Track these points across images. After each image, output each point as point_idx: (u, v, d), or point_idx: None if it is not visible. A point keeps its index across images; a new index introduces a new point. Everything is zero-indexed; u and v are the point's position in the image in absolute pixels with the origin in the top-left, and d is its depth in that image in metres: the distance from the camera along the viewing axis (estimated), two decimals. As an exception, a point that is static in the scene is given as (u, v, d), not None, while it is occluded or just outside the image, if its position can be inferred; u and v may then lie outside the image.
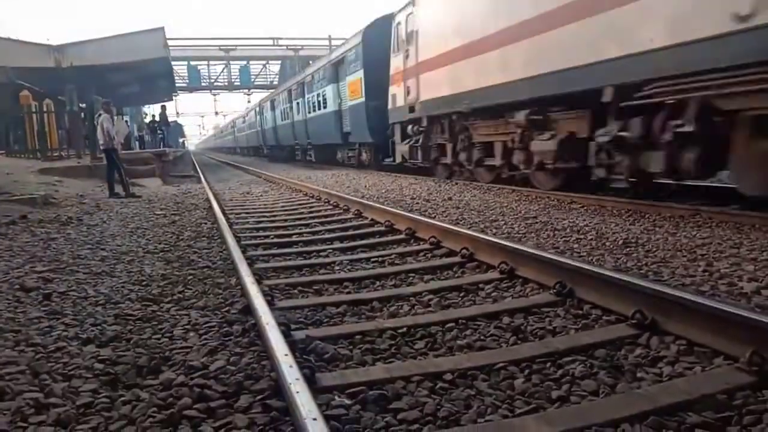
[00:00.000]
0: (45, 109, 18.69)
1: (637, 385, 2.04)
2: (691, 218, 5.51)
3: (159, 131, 25.82)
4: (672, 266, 3.73)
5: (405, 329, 2.70)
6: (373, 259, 4.38)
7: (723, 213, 5.47)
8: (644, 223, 5.44)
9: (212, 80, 44.90)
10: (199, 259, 4.61)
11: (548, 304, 3.01)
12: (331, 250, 4.83)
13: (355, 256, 4.52)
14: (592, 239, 4.77)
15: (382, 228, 5.71)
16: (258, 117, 35.53)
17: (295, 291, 3.57)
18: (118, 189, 10.62)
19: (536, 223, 5.72)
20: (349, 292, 3.50)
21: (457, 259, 4.14)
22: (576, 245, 4.56)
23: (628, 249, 4.33)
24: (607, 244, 4.57)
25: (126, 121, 24.62)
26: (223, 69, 44.37)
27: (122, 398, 2.06)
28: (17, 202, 8.20)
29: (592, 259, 4.01)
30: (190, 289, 3.65)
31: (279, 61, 44.05)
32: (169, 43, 21.08)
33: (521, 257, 3.60)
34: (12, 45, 17.69)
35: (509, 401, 1.98)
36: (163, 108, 27.58)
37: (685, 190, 7.18)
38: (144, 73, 21.19)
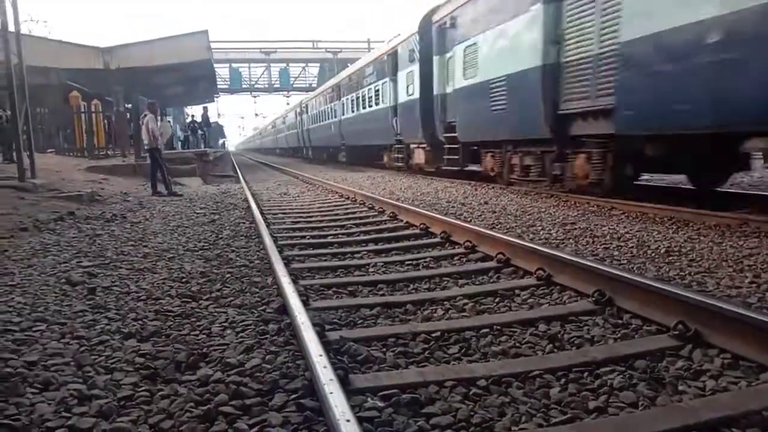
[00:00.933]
0: (93, 109, 19.41)
1: (678, 399, 1.98)
2: (738, 228, 5.32)
3: (200, 131, 26.42)
4: (717, 277, 3.60)
5: (439, 333, 2.69)
6: (407, 262, 4.38)
7: (773, 222, 5.24)
8: (688, 232, 5.27)
9: (253, 82, 45.76)
10: (237, 258, 4.69)
11: (586, 312, 2.95)
12: (365, 252, 4.84)
13: (389, 259, 4.52)
14: (632, 247, 4.65)
15: (417, 231, 5.70)
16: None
17: (330, 292, 3.60)
18: (161, 188, 10.93)
19: (575, 229, 5.61)
20: (383, 295, 3.51)
21: (492, 264, 4.10)
22: (616, 252, 4.45)
23: (670, 258, 4.20)
24: (649, 252, 4.44)
25: (169, 122, 25.24)
26: (264, 71, 45.18)
27: (161, 392, 2.12)
28: (65, 199, 8.53)
29: (632, 267, 3.91)
30: (228, 287, 3.71)
31: (318, 64, 44.55)
32: (212, 45, 21.54)
33: (559, 263, 3.54)
34: (63, 47, 18.37)
35: (544, 410, 1.95)
36: (205, 109, 28.24)
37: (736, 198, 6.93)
38: (187, 74, 21.70)
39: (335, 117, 23.97)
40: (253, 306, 3.26)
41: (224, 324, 2.93)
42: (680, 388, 2.06)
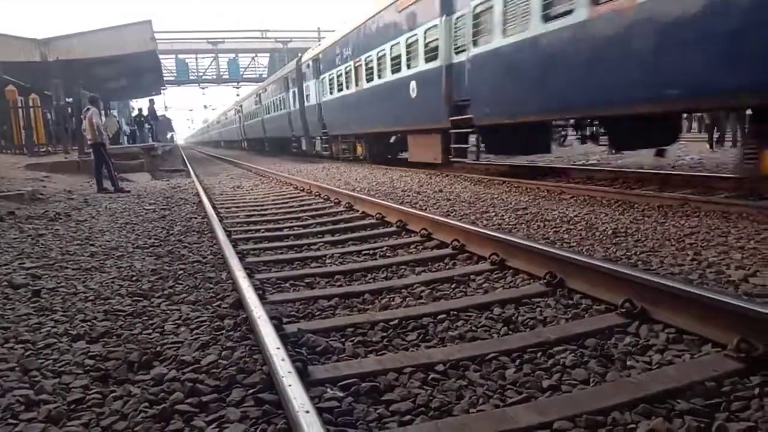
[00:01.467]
0: (31, 104, 18.47)
1: (627, 374, 2.06)
2: (679, 208, 5.56)
3: (148, 125, 25.53)
4: (661, 255, 3.76)
5: (397, 321, 2.71)
6: (364, 252, 4.38)
7: (710, 202, 5.51)
8: (633, 213, 5.47)
9: (200, 73, 44.58)
10: (190, 254, 4.58)
11: (539, 294, 3.03)
12: (322, 244, 4.82)
13: (346, 249, 4.52)
14: (581, 229, 4.80)
15: (374, 220, 5.72)
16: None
17: (287, 285, 3.57)
18: (107, 184, 10.54)
19: (526, 214, 5.74)
20: (340, 285, 3.50)
21: (448, 250, 4.15)
22: (566, 235, 4.58)
23: (617, 239, 4.36)
24: (597, 234, 4.59)
25: (115, 116, 24.33)
26: (212, 62, 44.07)
27: (113, 394, 2.06)
28: (4, 199, 8.11)
29: (582, 249, 4.03)
30: (181, 284, 3.63)
31: (268, 54, 43.78)
32: (157, 36, 20.84)
33: (512, 248, 3.61)
34: (-4, 39, 17.43)
35: (501, 391, 1.99)
36: (151, 102, 27.32)
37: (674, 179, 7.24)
38: (131, 66, 20.95)
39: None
40: (208, 302, 3.20)
41: (178, 321, 2.87)
42: (629, 363, 2.14)
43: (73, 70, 17.92)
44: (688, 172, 8.38)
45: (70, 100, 19.59)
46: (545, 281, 3.13)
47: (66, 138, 18.25)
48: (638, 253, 3.86)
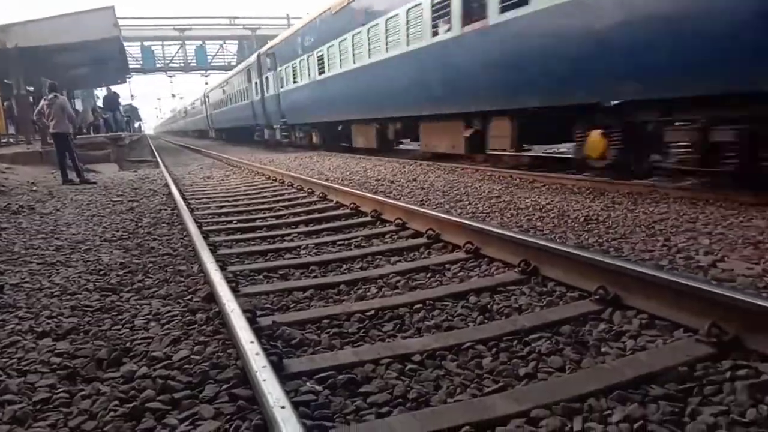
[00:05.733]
0: (-11, 93, 17.79)
1: (601, 360, 2.08)
2: (648, 195, 5.66)
3: (107, 114, 24.72)
4: (632, 242, 3.82)
5: (373, 312, 2.69)
6: (339, 243, 4.34)
7: (679, 189, 5.63)
8: (604, 201, 5.55)
9: (167, 61, 43.55)
10: (160, 247, 4.48)
11: (514, 282, 3.04)
12: (296, 234, 4.76)
13: (320, 240, 4.47)
14: (554, 217, 4.84)
15: (348, 210, 5.68)
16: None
17: (260, 277, 3.51)
18: (72, 175, 10.22)
19: (500, 202, 5.77)
20: (315, 276, 3.47)
21: (423, 240, 4.14)
22: (539, 223, 4.62)
23: (589, 226, 4.41)
24: (569, 221, 4.64)
25: (93, 105, 23.58)
26: (179, 49, 43.09)
27: (82, 393, 1.99)
28: (-37, 191, 7.81)
29: (555, 237, 4.07)
30: (151, 278, 3.55)
31: (236, 42, 42.99)
32: (121, 22, 20.19)
33: (486, 236, 3.62)
34: (-50, 25, 16.67)
35: (478, 380, 1.99)
36: (109, 90, 26.60)
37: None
38: (94, 54, 20.26)
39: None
40: (179, 296, 3.13)
41: (148, 317, 2.79)
42: (603, 349, 2.17)
43: (33, 58, 17.27)
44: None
45: (32, 89, 18.93)
46: (520, 269, 3.15)
47: (28, 128, 17.65)
48: (610, 239, 3.92)
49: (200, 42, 43.01)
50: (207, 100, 39.27)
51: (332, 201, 6.34)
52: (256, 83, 23.09)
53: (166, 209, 6.58)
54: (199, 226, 4.97)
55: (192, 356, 2.24)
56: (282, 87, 19.54)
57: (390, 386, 1.96)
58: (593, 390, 1.81)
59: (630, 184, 6.10)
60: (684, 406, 1.71)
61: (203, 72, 44.63)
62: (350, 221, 5.20)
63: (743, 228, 4.01)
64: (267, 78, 21.42)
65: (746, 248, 3.47)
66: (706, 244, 3.62)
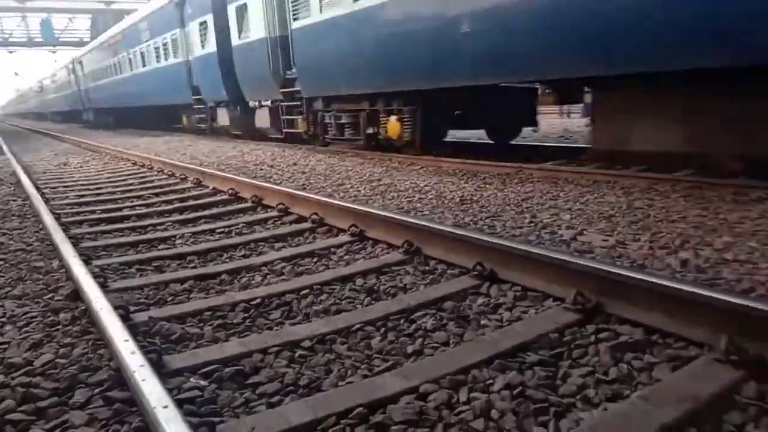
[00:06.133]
0: None
1: (482, 333, 2.20)
2: (515, 175, 6.06)
3: None
4: (503, 219, 4.07)
5: (259, 300, 2.61)
6: (218, 230, 4.16)
7: (542, 169, 6.09)
8: (476, 182, 5.86)
9: (6, 35, 38.66)
10: (11, 242, 4.00)
11: (398, 262, 3.11)
12: (170, 223, 4.49)
13: (198, 228, 4.26)
14: (432, 198, 5.02)
15: (226, 197, 5.46)
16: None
17: (132, 270, 3.27)
18: None
19: (381, 185, 5.87)
20: (194, 267, 3.29)
21: (307, 224, 4.10)
22: (419, 204, 4.77)
23: (464, 206, 4.63)
24: (446, 202, 4.84)
25: None
26: (20, 22, 38.41)
27: None
28: None
29: (434, 217, 4.22)
30: (2, 277, 3.16)
31: (89, 16, 39.20)
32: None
33: (370, 219, 3.67)
34: None
35: (368, 361, 2.02)
36: None
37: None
38: None
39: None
40: (38, 295, 2.81)
41: (2, 320, 2.49)
42: (483, 322, 2.29)
43: None
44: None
45: None
46: (403, 249, 3.23)
47: None
48: (483, 218, 4.14)
49: (45, 15, 38.61)
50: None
51: (208, 187, 6.06)
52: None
53: (15, 200, 5.88)
54: (57, 217, 4.51)
55: (57, 360, 2.03)
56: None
57: (280, 375, 1.92)
58: (476, 362, 1.91)
59: (499, 166, 6.49)
60: (556, 370, 1.86)
61: (51, 48, 40.21)
62: (229, 207, 5.01)
63: (598, 204, 4.43)
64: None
65: (601, 222, 3.84)
66: (567, 219, 3.96)
